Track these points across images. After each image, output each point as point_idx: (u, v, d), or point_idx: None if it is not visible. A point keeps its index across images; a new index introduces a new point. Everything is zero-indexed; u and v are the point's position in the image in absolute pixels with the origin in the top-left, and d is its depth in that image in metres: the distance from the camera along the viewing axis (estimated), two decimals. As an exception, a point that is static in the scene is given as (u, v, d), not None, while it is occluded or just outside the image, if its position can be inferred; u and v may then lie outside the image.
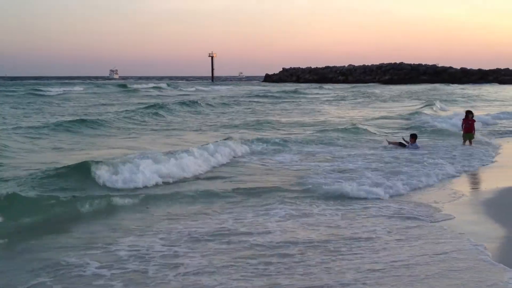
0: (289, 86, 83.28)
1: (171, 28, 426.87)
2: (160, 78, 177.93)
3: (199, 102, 35.25)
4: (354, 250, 6.42)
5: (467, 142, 16.59)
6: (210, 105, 35.18)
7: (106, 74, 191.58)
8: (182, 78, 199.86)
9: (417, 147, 15.51)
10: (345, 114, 30.92)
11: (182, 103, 33.52)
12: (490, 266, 5.90)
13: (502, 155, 15.12)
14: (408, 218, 7.96)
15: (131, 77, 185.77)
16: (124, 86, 72.36)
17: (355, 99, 48.99)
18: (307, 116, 28.64)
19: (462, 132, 17.15)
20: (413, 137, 15.97)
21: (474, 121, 16.93)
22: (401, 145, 15.84)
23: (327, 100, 46.60)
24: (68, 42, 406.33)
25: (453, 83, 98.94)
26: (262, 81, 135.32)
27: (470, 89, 72.75)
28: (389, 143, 16.39)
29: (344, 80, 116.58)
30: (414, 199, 9.30)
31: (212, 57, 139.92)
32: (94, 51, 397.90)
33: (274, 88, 76.49)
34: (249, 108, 34.82)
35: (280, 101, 44.51)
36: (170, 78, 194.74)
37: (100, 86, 72.88)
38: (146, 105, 31.80)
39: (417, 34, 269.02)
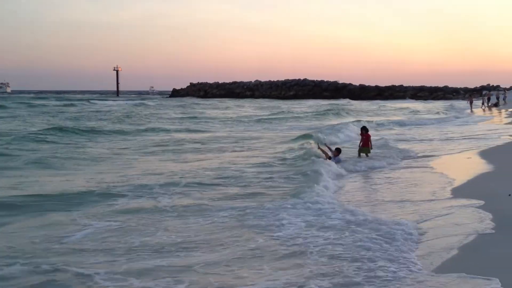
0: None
1: (72, 41, 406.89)
2: (65, 92, 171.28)
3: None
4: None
5: (363, 156, 17.30)
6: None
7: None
8: (84, 92, 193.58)
9: (339, 161, 16.10)
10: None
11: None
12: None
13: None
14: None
15: (25, 91, 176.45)
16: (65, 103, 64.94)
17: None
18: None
19: (359, 147, 17.71)
20: (337, 151, 16.69)
21: (369, 135, 17.73)
22: (328, 157, 16.28)
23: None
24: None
25: (352, 99, 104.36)
26: (170, 96, 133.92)
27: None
28: (319, 149, 17.03)
29: (251, 95, 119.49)
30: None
31: (117, 71, 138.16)
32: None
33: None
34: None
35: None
36: (74, 92, 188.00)
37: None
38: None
39: (318, 52, 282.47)
